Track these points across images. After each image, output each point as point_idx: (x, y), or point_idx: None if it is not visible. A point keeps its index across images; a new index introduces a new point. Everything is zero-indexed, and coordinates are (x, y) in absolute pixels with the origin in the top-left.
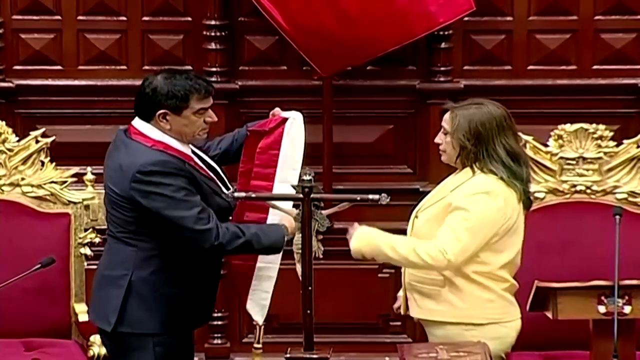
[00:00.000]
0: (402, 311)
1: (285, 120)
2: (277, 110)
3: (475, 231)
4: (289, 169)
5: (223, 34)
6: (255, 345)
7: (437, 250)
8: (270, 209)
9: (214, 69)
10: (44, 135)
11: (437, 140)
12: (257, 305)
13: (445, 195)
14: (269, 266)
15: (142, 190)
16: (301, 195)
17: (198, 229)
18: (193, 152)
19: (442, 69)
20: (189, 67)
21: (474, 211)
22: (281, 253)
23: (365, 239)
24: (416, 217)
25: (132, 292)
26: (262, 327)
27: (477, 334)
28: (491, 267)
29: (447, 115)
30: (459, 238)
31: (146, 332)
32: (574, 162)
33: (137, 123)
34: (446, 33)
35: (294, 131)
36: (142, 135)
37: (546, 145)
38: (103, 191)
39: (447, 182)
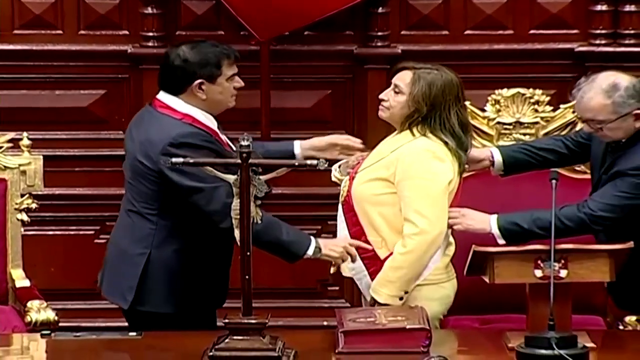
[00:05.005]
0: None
1: None
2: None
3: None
4: None
5: None
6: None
7: (411, 234)
8: None
9: (150, 34)
10: None
11: (383, 96)
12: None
13: (385, 156)
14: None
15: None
16: (239, 161)
17: (227, 202)
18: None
19: (380, 34)
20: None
21: (429, 176)
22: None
23: (381, 289)
24: (352, 177)
25: (149, 271)
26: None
27: (417, 294)
28: None
29: (405, 75)
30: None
31: (163, 311)
32: (510, 126)
33: (163, 97)
34: None
35: None
36: (169, 109)
37: (483, 110)
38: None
39: (384, 143)
